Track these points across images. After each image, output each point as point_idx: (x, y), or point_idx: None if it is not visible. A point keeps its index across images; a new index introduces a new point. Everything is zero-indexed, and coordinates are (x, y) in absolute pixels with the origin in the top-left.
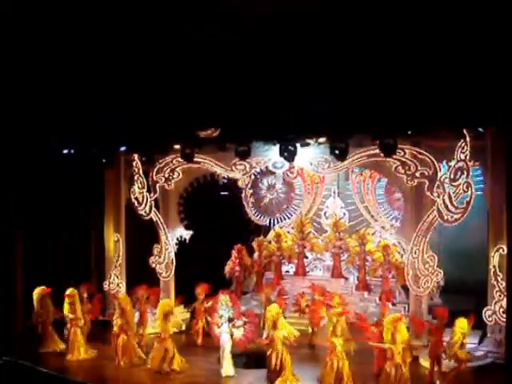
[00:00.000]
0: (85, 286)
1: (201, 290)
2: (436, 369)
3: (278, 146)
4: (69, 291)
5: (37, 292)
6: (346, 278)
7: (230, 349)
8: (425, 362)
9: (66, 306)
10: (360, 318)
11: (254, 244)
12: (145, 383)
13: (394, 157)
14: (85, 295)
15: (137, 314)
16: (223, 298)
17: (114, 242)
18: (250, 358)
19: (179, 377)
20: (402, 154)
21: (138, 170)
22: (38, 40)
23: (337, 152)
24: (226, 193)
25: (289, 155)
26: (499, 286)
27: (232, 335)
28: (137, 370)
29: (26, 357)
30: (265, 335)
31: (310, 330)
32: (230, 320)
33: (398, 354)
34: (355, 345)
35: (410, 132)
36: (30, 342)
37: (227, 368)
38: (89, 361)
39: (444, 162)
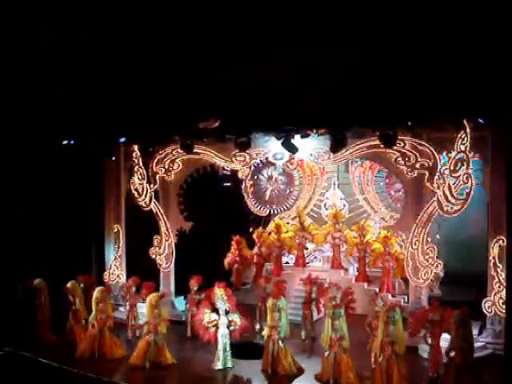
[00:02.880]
0: (83, 278)
1: (194, 282)
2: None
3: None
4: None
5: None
6: (346, 270)
7: (229, 342)
8: (424, 353)
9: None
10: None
11: (254, 235)
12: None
13: (394, 148)
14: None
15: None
16: (219, 291)
17: (114, 232)
18: (244, 348)
19: (177, 368)
20: (402, 145)
21: (138, 160)
22: (37, 33)
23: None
24: (226, 184)
25: (289, 147)
26: (499, 278)
27: (229, 328)
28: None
29: (27, 348)
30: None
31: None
32: (227, 313)
33: (390, 346)
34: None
35: (409, 123)
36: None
37: (225, 361)
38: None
39: (444, 153)
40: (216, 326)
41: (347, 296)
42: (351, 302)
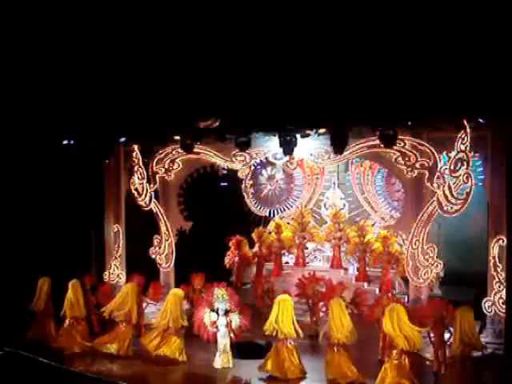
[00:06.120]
0: (87, 278)
1: (197, 281)
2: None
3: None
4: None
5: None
6: (346, 269)
7: (229, 342)
8: (425, 353)
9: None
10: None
11: (254, 235)
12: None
13: (394, 148)
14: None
15: None
16: (219, 291)
17: (114, 232)
18: (244, 348)
19: (177, 368)
20: (402, 144)
21: (138, 160)
22: (37, 33)
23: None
24: (225, 184)
25: (288, 147)
26: (499, 277)
27: (229, 328)
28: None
29: (28, 347)
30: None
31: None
32: (227, 313)
33: (403, 343)
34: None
35: (409, 123)
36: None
37: (225, 361)
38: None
39: (444, 153)
40: (216, 327)
41: (359, 296)
42: (362, 302)
